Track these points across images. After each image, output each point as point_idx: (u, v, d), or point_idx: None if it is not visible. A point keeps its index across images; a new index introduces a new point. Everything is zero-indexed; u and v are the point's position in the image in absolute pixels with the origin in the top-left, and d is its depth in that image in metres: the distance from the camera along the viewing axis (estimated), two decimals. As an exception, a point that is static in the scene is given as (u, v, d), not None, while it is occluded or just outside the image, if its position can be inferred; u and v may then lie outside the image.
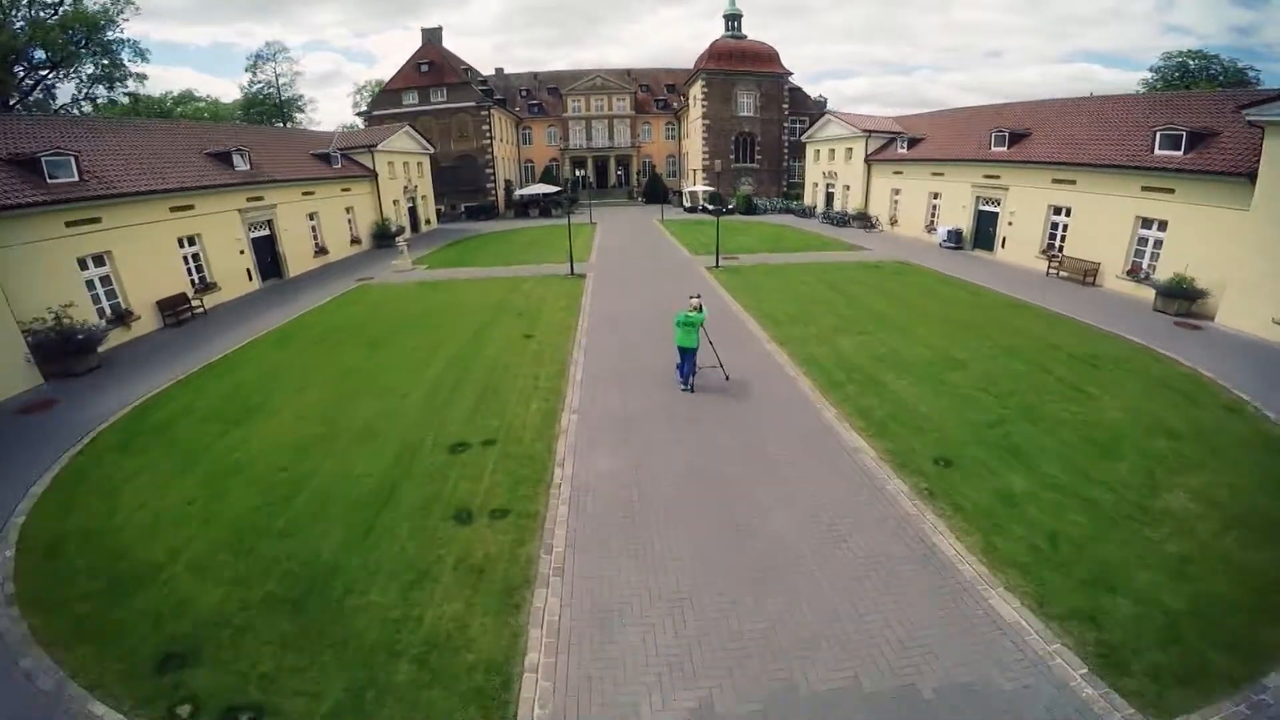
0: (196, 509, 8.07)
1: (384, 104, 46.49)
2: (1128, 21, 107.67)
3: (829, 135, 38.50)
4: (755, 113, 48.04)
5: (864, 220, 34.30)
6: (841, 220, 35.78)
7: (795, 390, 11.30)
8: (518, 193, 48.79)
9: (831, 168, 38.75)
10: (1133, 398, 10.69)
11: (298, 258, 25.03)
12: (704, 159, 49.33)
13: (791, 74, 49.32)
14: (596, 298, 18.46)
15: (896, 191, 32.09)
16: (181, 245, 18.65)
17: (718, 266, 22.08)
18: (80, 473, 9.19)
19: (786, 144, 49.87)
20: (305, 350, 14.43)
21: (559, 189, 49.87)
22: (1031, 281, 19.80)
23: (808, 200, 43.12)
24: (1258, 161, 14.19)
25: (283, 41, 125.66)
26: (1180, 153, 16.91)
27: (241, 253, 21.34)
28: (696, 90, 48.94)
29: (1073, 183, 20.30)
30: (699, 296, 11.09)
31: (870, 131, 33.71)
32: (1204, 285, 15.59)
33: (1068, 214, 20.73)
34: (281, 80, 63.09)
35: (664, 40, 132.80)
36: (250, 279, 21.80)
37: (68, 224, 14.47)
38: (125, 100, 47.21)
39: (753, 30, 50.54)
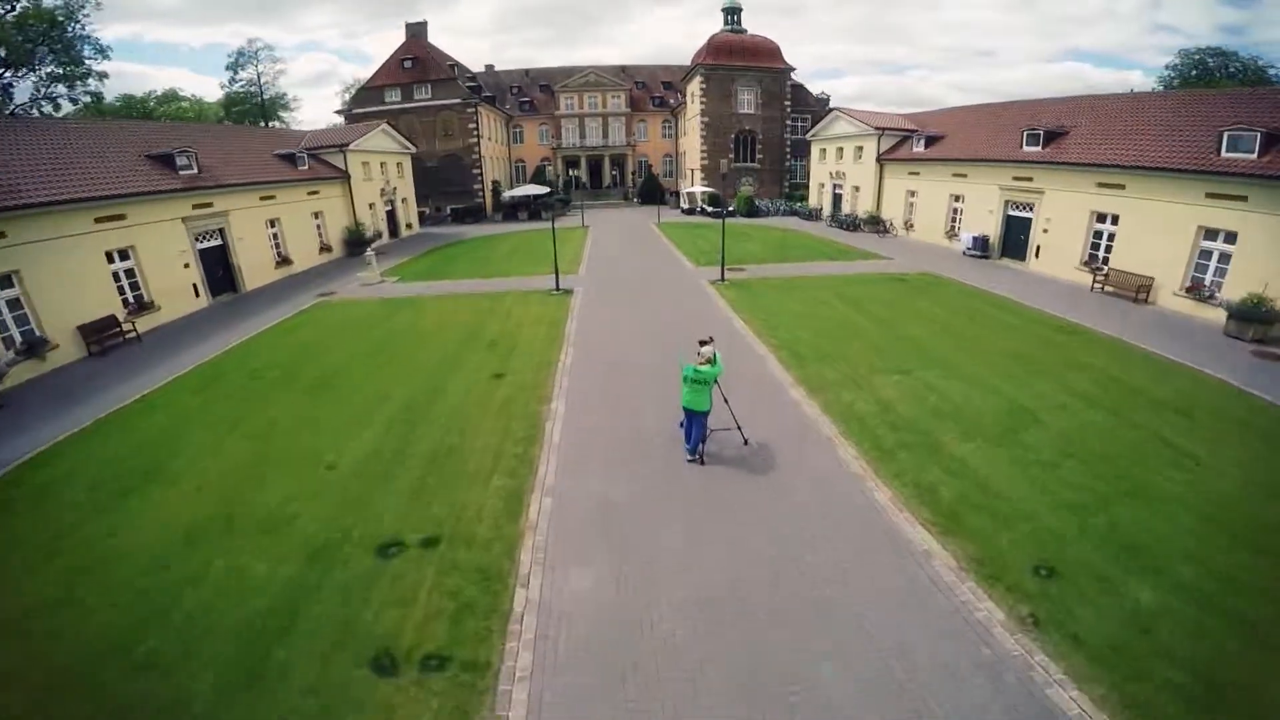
0: (40, 622, 6.09)
1: (365, 102, 44.04)
2: (1118, 21, 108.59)
3: (836, 133, 36.24)
4: (756, 110, 45.79)
5: (876, 224, 32.04)
6: (851, 224, 33.53)
7: (834, 460, 8.86)
8: (506, 194, 46.52)
9: (839, 167, 36.50)
10: (1245, 460, 8.52)
11: (255, 269, 22.62)
12: (703, 158, 47.08)
13: (794, 69, 47.11)
14: (584, 322, 16.10)
15: (912, 194, 29.81)
16: (111, 260, 16.29)
17: (723, 281, 19.77)
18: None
19: (789, 142, 47.74)
20: (232, 393, 12.05)
21: (549, 190, 47.57)
22: (1077, 298, 17.58)
23: (813, 202, 40.85)
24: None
25: (264, 39, 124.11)
26: (1254, 155, 14.76)
27: (186, 266, 18.96)
28: (694, 86, 46.68)
29: (1121, 187, 18.04)
30: (711, 342, 8.42)
31: (883, 129, 31.46)
32: (1286, 306, 13.50)
33: (1114, 222, 18.48)
34: (265, 79, 60.71)
35: (660, 41, 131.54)
36: (197, 295, 19.43)
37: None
38: (87, 99, 44.85)
39: (748, 28, 47.89)
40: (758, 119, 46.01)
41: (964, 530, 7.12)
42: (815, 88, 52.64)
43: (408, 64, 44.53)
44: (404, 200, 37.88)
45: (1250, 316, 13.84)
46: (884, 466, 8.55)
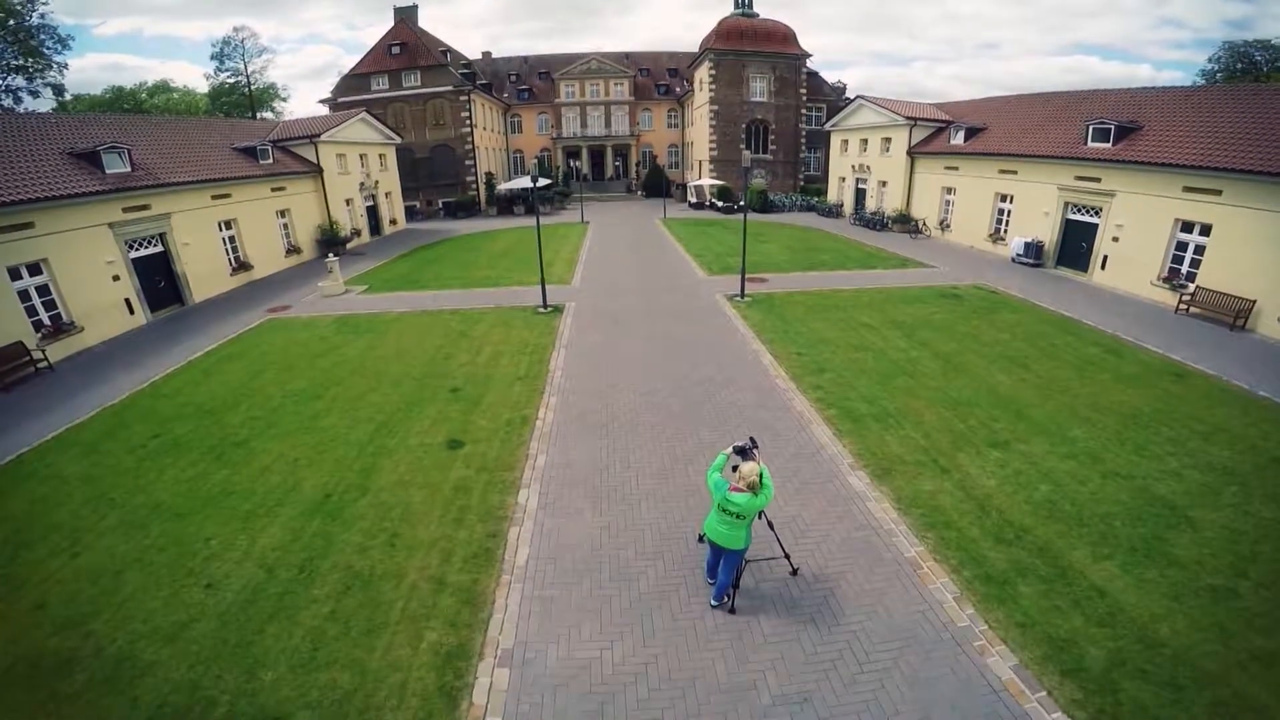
0: None
1: (350, 89, 40.99)
2: (1123, 15, 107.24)
3: (861, 123, 33.10)
4: (769, 98, 42.62)
5: (907, 224, 29.05)
6: (878, 223, 30.50)
7: (925, 603, 5.98)
8: (500, 187, 43.62)
9: (863, 160, 33.44)
10: None
11: (206, 278, 19.84)
12: (711, 149, 44.06)
13: (810, 55, 43.90)
14: (574, 354, 13.24)
15: (950, 191, 26.73)
16: (17, 277, 13.62)
17: (743, 297, 16.90)
18: None
19: (804, 133, 44.62)
20: (124, 456, 9.30)
21: (547, 182, 44.66)
22: (1160, 323, 14.67)
23: (832, 197, 37.80)
24: None
25: (259, 31, 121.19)
26: None
27: (116, 279, 16.16)
28: (703, 73, 43.50)
29: (1217, 193, 15.01)
30: (755, 451, 5.60)
31: (915, 119, 28.35)
32: None
33: (1204, 232, 15.50)
34: (252, 69, 57.88)
35: (662, 31, 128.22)
36: (131, 312, 16.65)
37: None
38: (48, 92, 42.68)
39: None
40: (770, 108, 42.86)
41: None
42: (827, 78, 49.14)
43: (395, 50, 41.45)
44: (388, 195, 35.00)
45: None
46: (1000, 611, 5.82)
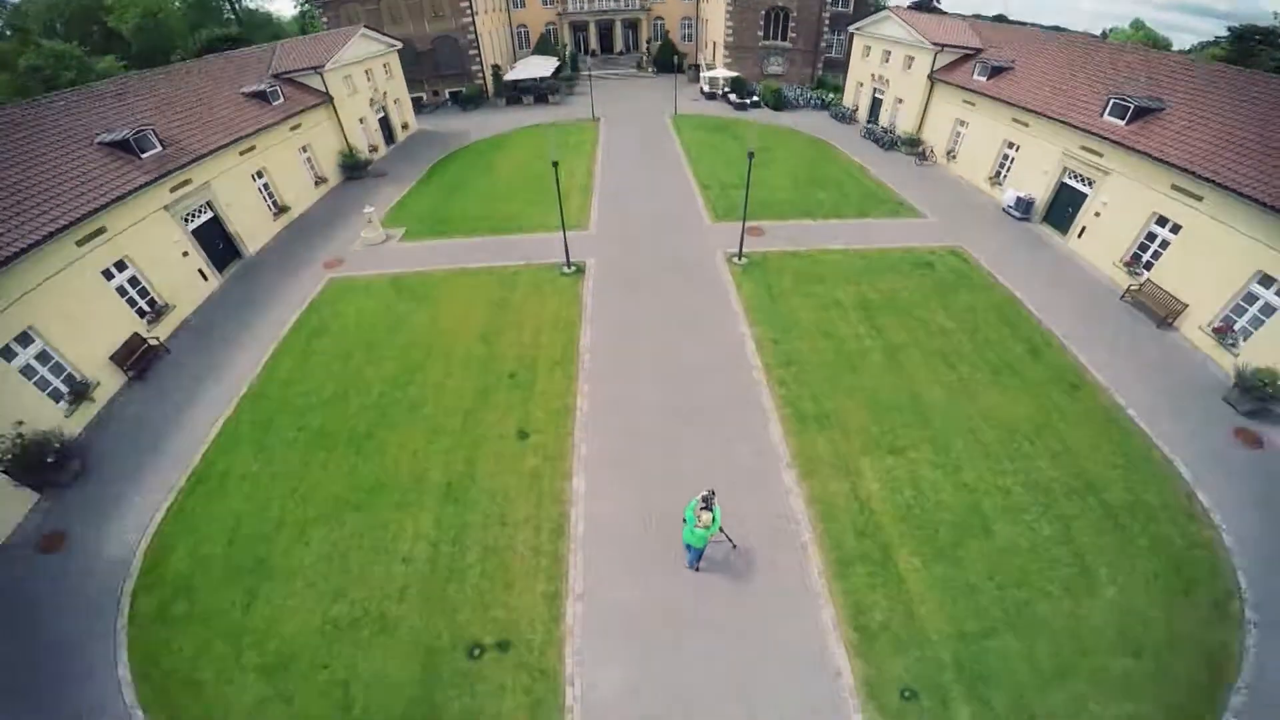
0: None
1: None
2: None
3: (886, 34, 30.58)
4: None
5: (915, 148, 28.70)
6: (889, 142, 29.87)
7: (802, 572, 9.91)
8: (507, 76, 41.30)
9: (883, 72, 31.54)
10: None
11: (254, 229, 21.37)
12: (728, 35, 40.82)
13: None
14: (597, 331, 15.59)
15: (962, 123, 26.11)
16: (111, 276, 15.30)
17: (740, 259, 18.49)
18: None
19: (828, 16, 40.67)
20: (285, 455, 12.34)
21: (556, 68, 42.15)
22: (1099, 310, 16.45)
23: (848, 100, 36.05)
24: None
25: None
26: None
27: (185, 255, 17.87)
28: (723, -57, 38.67)
29: (1199, 198, 15.44)
30: (712, 498, 8.99)
31: (942, 45, 26.45)
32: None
33: (1174, 230, 16.34)
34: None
35: None
36: (205, 279, 18.61)
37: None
38: None
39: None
40: (794, -10, 38.72)
41: (873, 652, 8.81)
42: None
43: None
44: (396, 101, 33.93)
45: (1251, 387, 12.88)
46: (838, 582, 9.73)
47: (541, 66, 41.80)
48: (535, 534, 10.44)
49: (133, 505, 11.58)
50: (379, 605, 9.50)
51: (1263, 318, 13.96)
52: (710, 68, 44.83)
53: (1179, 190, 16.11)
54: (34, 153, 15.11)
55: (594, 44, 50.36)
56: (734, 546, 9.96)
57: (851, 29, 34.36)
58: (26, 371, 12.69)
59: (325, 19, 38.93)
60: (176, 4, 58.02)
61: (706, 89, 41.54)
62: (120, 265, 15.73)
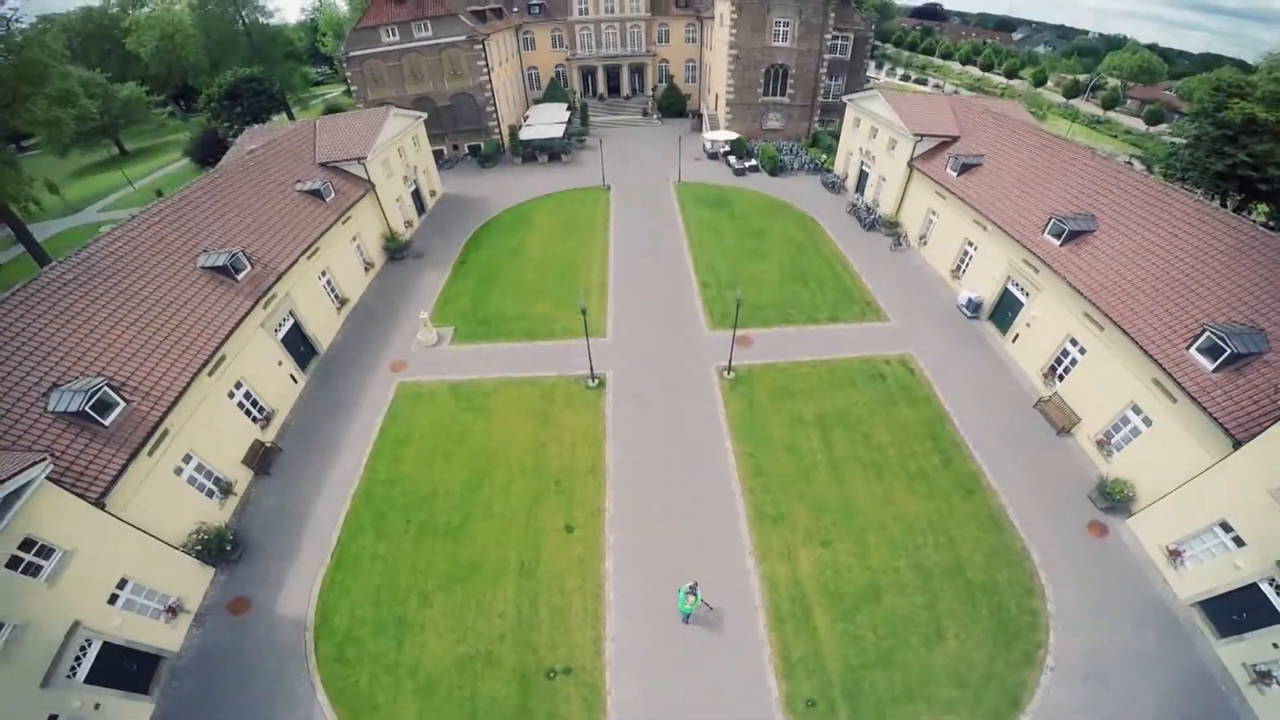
0: None
1: (361, 43, 41.46)
2: None
3: (874, 111, 35.03)
4: (792, 43, 42.66)
5: (893, 231, 33.43)
6: (870, 222, 34.58)
7: (753, 623, 15.72)
8: (522, 135, 45.81)
9: (870, 148, 36.21)
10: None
11: (324, 325, 26.15)
12: (729, 93, 45.50)
13: (842, 1, 42.76)
14: (617, 445, 20.72)
15: (934, 212, 30.66)
16: (232, 395, 20.02)
17: (729, 373, 23.48)
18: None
19: (826, 62, 44.48)
20: (402, 545, 17.72)
21: (564, 120, 47.01)
22: (1016, 417, 21.32)
23: (838, 168, 40.90)
24: None
25: None
26: (1211, 368, 16.94)
27: (280, 364, 22.66)
28: (725, 9, 43.12)
29: (1101, 328, 19.80)
30: (696, 586, 15.05)
31: (921, 135, 30.87)
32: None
33: (1082, 351, 20.74)
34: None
35: None
36: (295, 381, 23.48)
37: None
38: None
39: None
40: (792, 52, 43.12)
41: (793, 677, 14.50)
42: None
43: None
44: (424, 172, 38.64)
45: (1107, 492, 18.12)
46: (774, 632, 15.34)
47: (553, 117, 46.68)
48: (582, 599, 16.03)
49: (294, 578, 16.93)
50: (486, 646, 15.08)
51: (1131, 437, 18.75)
52: (713, 119, 49.66)
53: (1088, 317, 20.42)
54: (150, 279, 19.26)
55: (601, 88, 55.08)
56: (710, 608, 15.43)
57: (845, 99, 38.77)
58: (190, 480, 17.93)
59: (351, 79, 43.70)
60: (190, 29, 61.59)
61: (708, 148, 46.02)
62: (238, 384, 20.41)
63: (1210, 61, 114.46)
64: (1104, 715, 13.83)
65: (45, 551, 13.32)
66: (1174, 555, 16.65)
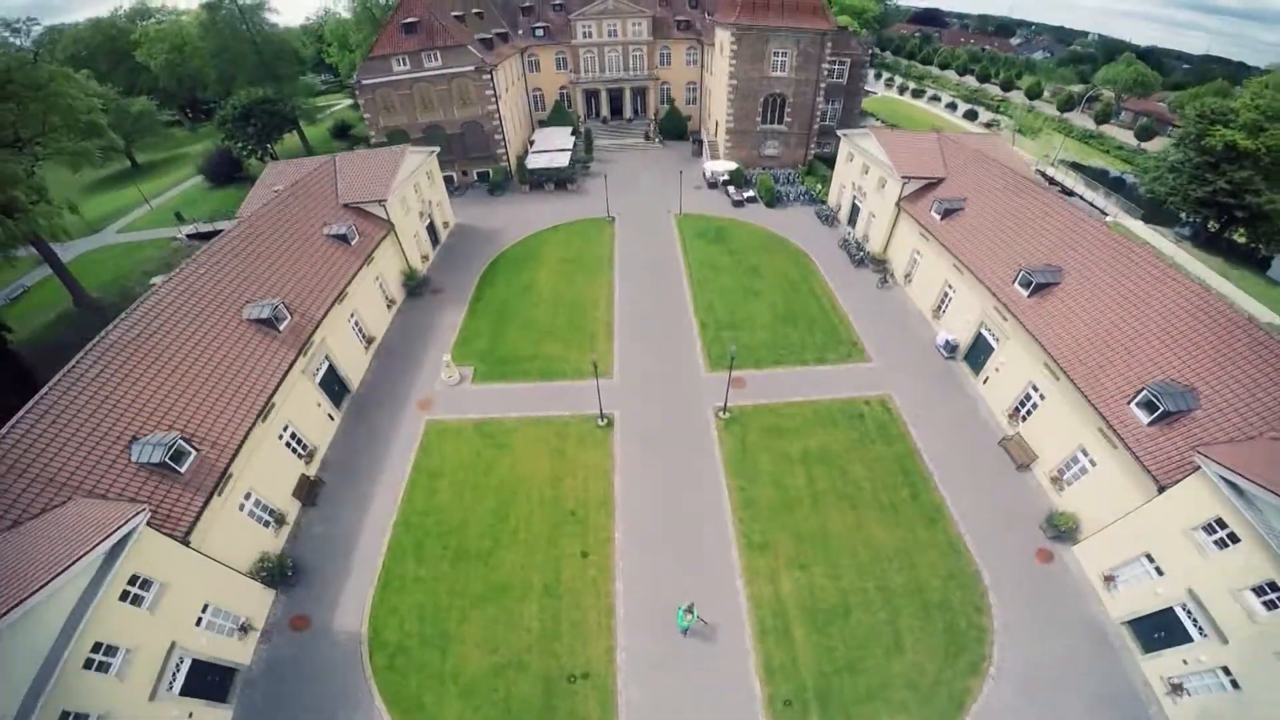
0: None
1: (373, 73, 44.05)
2: None
3: (866, 148, 37.63)
4: (790, 73, 45.18)
5: (881, 269, 36.10)
6: (859, 258, 37.20)
7: (740, 633, 18.25)
8: (529, 163, 48.29)
9: (862, 184, 38.84)
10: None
11: (355, 364, 28.95)
12: (729, 121, 48.28)
13: (839, 29, 45.49)
14: (624, 480, 23.67)
15: (918, 252, 33.14)
16: (281, 436, 23.00)
17: (725, 413, 26.39)
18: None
19: (823, 88, 46.92)
20: (441, 568, 20.67)
21: (567, 149, 49.74)
22: (982, 453, 24.31)
23: (832, 200, 43.73)
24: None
25: None
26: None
27: (319, 405, 25.63)
28: (725, 39, 45.94)
29: (1058, 378, 22.57)
30: (692, 605, 18.35)
31: (908, 178, 33.38)
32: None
33: (1043, 397, 23.53)
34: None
35: None
36: (332, 419, 26.44)
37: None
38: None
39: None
40: (790, 82, 45.65)
41: (773, 681, 17.41)
42: None
43: (409, 28, 43.54)
44: (438, 204, 41.30)
45: (1054, 524, 21.34)
46: (758, 643, 18.49)
47: (558, 142, 49.38)
48: (596, 614, 19.15)
49: (346, 598, 19.98)
50: (517, 656, 18.16)
51: (1080, 475, 21.71)
52: (713, 145, 52.48)
53: (1048, 367, 23.20)
54: (203, 333, 22.00)
55: (605, 110, 57.85)
56: (705, 622, 18.55)
57: (840, 133, 41.26)
58: (250, 514, 21.00)
59: (364, 107, 46.45)
60: (198, 40, 63.56)
61: (709, 177, 48.58)
62: (285, 426, 23.31)
63: (1208, 67, 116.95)
64: (1036, 718, 16.87)
65: (146, 584, 16.29)
66: (1109, 580, 19.70)
